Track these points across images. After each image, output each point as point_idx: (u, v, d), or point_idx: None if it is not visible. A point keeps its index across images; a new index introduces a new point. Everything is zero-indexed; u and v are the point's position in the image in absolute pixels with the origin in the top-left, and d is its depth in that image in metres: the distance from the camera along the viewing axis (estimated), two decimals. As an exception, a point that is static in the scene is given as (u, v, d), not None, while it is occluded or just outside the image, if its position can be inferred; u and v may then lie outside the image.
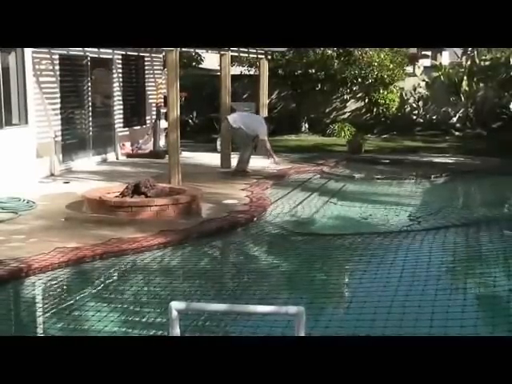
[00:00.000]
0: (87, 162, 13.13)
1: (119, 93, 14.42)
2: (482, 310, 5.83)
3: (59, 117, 12.27)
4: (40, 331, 5.31)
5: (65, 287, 6.36)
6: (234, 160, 13.48)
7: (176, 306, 3.11)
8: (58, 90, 12.14)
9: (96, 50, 12.99)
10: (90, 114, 13.34)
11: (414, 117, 19.95)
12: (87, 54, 12.90)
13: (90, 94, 13.25)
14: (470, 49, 18.97)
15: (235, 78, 15.65)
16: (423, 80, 20.04)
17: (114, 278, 6.59)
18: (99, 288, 6.28)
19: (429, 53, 23.57)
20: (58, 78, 12.15)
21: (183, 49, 12.49)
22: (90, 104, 13.32)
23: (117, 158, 14.33)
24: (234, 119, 12.31)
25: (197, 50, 17.36)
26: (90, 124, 13.36)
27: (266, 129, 12.25)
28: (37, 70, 11.43)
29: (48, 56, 11.77)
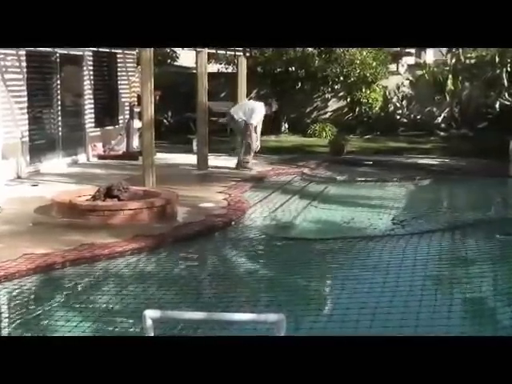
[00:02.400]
0: (56, 163, 13.03)
1: (90, 91, 14.33)
2: (472, 317, 5.88)
3: (26, 116, 12.16)
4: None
5: (33, 296, 6.30)
6: (212, 161, 13.48)
7: (150, 314, 3.10)
8: (24, 87, 12.03)
9: (66, 46, 12.91)
10: (60, 113, 13.24)
11: (398, 117, 20.07)
12: (56, 50, 12.81)
13: (59, 92, 13.15)
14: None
15: (212, 76, 15.61)
16: (407, 78, 20.17)
17: (86, 285, 6.55)
18: (70, 296, 6.24)
19: (413, 50, 23.73)
20: (25, 76, 12.04)
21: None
22: (60, 103, 13.22)
23: (88, 160, 14.24)
24: (235, 111, 13.35)
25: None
26: (60, 124, 13.26)
27: (259, 116, 13.22)
28: (2, 66, 11.33)
29: (14, 52, 11.67)
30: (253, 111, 13.18)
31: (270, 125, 17.07)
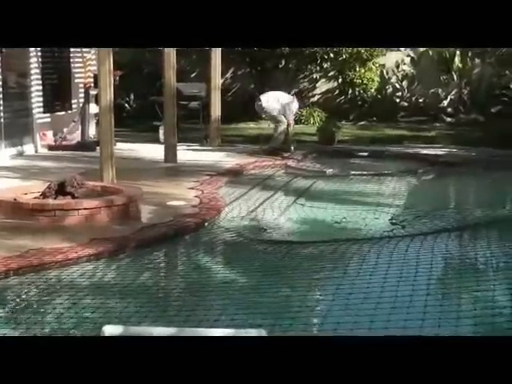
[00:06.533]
0: (-2, 155, 12.99)
1: (38, 70, 14.27)
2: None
3: (-39, 100, 12.11)
4: None
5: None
6: (181, 153, 13.48)
7: (110, 330, 3.12)
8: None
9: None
10: (1, 95, 13.17)
11: (397, 100, 20.19)
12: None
13: (0, 71, 13.07)
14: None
15: (181, 54, 15.61)
16: (408, 55, 20.29)
17: (33, 298, 6.53)
18: (14, 311, 6.22)
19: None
20: (-41, 52, 11.98)
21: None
22: (1, 83, 13.15)
23: (36, 151, 14.21)
24: (267, 101, 14.33)
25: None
26: (1, 108, 13.20)
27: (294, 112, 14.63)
28: None
29: None
30: (288, 108, 14.24)
31: (249, 110, 17.09)
